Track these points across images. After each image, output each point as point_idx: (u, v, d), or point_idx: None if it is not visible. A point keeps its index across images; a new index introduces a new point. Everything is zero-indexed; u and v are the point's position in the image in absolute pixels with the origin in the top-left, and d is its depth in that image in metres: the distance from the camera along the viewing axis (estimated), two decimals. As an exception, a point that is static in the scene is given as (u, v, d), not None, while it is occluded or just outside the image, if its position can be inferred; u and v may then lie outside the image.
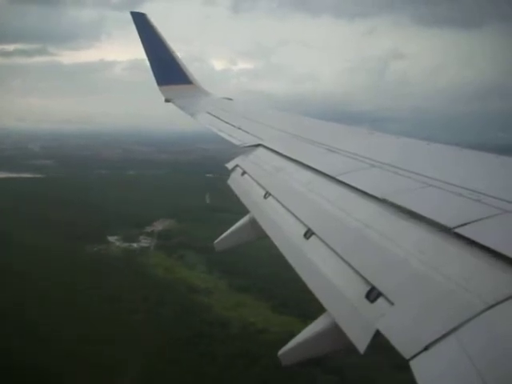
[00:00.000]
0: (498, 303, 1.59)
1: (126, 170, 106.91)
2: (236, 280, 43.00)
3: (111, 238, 55.50)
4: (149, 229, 59.03)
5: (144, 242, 55.51)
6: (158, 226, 60.56)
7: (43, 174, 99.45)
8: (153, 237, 56.93)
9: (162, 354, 28.39)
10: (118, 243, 54.55)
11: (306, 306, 34.54)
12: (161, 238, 56.00)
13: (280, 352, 2.70)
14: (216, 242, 4.58)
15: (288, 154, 4.51)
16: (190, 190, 78.88)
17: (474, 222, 2.10)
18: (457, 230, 2.05)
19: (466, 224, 2.08)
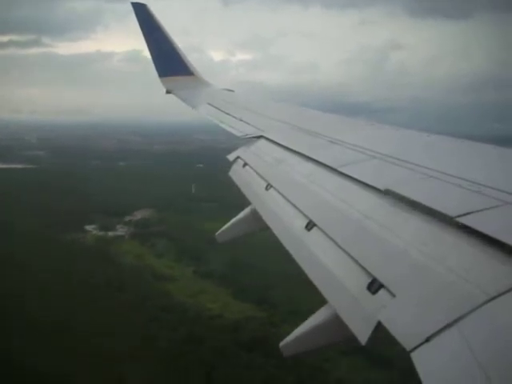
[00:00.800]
0: (499, 294, 1.59)
1: (117, 161, 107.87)
2: (202, 267, 43.95)
3: (89, 227, 56.49)
4: (128, 218, 60.18)
5: (120, 230, 56.52)
6: (138, 215, 61.70)
7: (35, 164, 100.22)
8: (130, 225, 57.88)
9: (111, 337, 28.76)
10: (94, 232, 55.48)
11: (266, 292, 37.39)
12: (138, 227, 56.98)
13: (281, 343, 2.70)
14: (217, 233, 4.57)
15: (289, 146, 4.50)
16: (177, 180, 79.98)
17: (475, 212, 2.08)
18: (459, 220, 2.04)
19: (467, 214, 2.07)
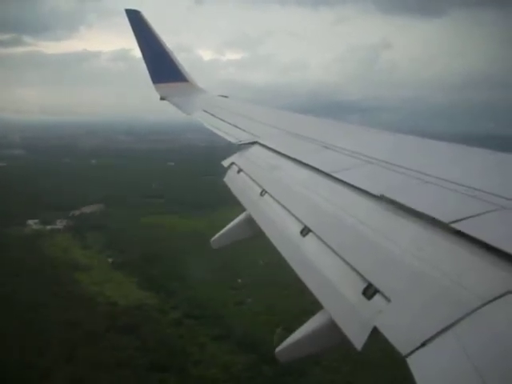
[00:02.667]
0: (494, 299, 1.60)
1: (90, 159, 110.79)
2: (120, 259, 46.92)
3: (31, 221, 58.98)
4: (73, 213, 62.80)
5: (59, 224, 59.04)
6: (86, 210, 64.30)
7: (5, 163, 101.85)
8: (71, 220, 60.57)
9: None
10: (34, 226, 58.10)
11: (169, 283, 40.63)
12: (78, 221, 59.86)
13: (277, 350, 2.67)
14: (212, 240, 4.51)
15: (284, 152, 4.49)
16: (142, 177, 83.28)
17: (470, 217, 2.09)
18: (453, 226, 2.04)
19: (462, 219, 2.07)
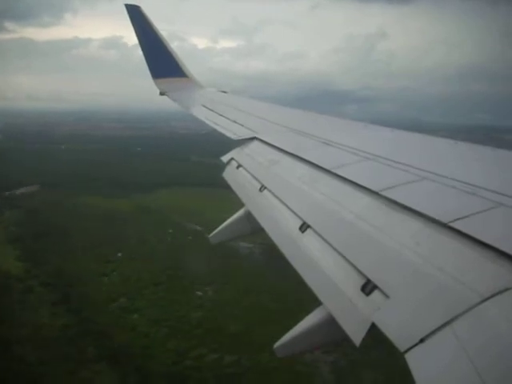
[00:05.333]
0: (492, 296, 1.60)
1: (60, 144, 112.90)
2: (17, 233, 48.79)
3: None
4: (7, 193, 64.78)
5: None
6: (20, 191, 66.35)
7: None
8: None
9: None
10: None
11: (50, 256, 42.39)
12: (4, 200, 61.99)
13: (276, 345, 2.68)
14: (211, 235, 4.53)
15: (283, 147, 4.50)
16: (98, 162, 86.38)
17: (469, 215, 2.10)
18: (452, 224, 2.05)
19: (461, 218, 2.08)
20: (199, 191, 65.15)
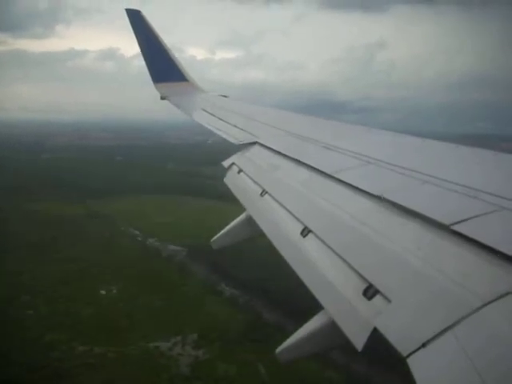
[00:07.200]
0: (494, 300, 1.60)
1: (41, 154, 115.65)
2: None
3: None
4: None
5: None
6: None
7: None
8: None
9: None
10: None
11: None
12: None
13: (278, 350, 2.68)
14: (212, 240, 4.52)
15: (284, 152, 4.49)
16: (72, 170, 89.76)
17: (470, 218, 2.10)
18: (454, 228, 2.05)
19: (463, 221, 2.08)
20: (156, 198, 68.39)
